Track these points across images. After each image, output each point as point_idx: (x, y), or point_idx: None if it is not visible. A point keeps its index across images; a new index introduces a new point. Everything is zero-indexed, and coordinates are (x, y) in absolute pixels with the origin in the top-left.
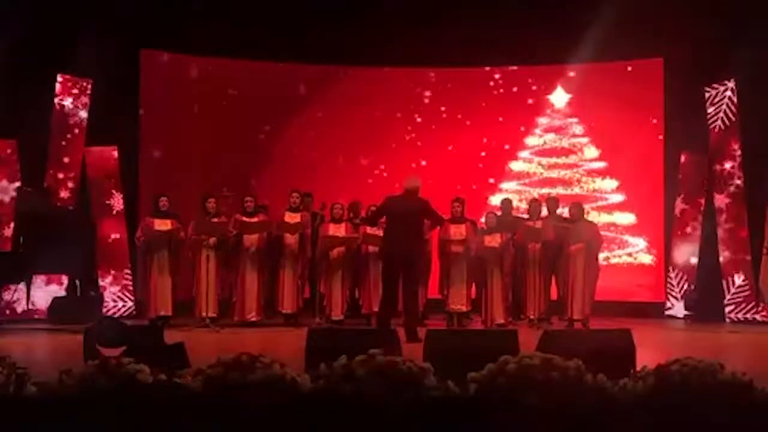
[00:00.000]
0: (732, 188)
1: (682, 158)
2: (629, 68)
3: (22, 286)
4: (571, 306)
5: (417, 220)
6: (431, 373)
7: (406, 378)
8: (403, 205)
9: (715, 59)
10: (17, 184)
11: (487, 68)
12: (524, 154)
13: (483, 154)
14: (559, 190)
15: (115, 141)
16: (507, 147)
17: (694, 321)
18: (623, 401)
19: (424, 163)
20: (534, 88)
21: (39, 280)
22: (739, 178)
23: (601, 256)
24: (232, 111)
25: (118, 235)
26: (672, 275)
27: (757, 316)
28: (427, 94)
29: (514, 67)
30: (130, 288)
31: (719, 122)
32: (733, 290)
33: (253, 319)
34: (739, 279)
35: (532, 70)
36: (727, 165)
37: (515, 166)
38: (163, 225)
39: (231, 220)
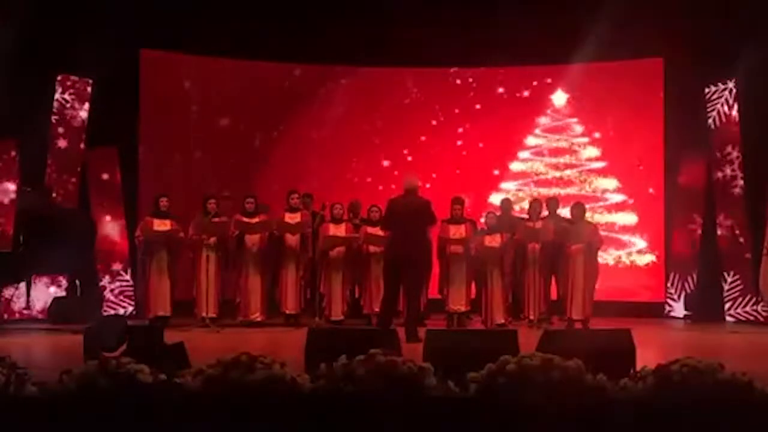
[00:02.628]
0: (732, 188)
1: (682, 158)
2: (629, 68)
3: (22, 286)
4: (571, 306)
5: (419, 221)
6: (431, 373)
7: (406, 378)
8: (405, 207)
9: (715, 59)
10: (17, 184)
11: (488, 68)
12: (524, 154)
13: (483, 154)
14: (559, 190)
15: (115, 141)
16: (507, 147)
17: (694, 321)
18: (623, 401)
19: (419, 155)
20: (534, 88)
21: (39, 280)
22: (739, 178)
23: (602, 256)
24: (232, 111)
25: (118, 236)
26: (672, 275)
27: (758, 309)
28: (428, 94)
29: (515, 67)
30: (130, 288)
31: (719, 122)
32: (726, 287)
33: (258, 319)
34: (730, 276)
35: (532, 70)
36: (727, 165)
37: (515, 166)
38: (162, 225)
39: (232, 220)
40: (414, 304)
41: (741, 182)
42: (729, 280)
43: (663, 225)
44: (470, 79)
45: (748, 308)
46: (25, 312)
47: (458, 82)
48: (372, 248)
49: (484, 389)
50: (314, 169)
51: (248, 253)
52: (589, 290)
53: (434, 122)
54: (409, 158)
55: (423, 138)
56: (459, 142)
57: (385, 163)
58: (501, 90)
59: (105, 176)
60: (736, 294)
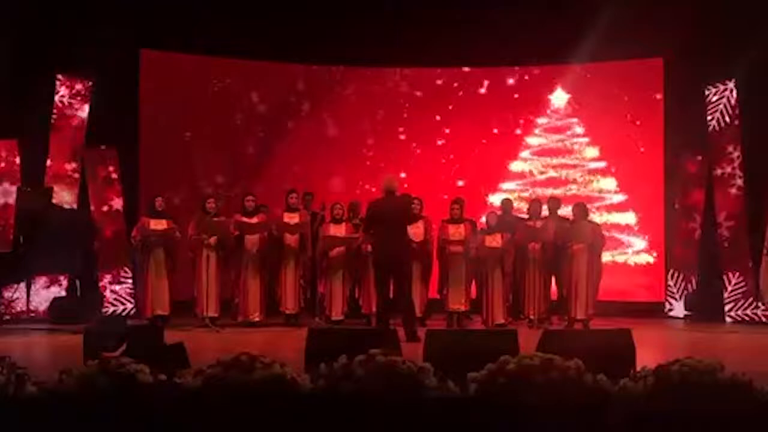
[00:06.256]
0: (732, 188)
1: (682, 158)
2: (629, 68)
3: (22, 286)
4: (575, 306)
5: (401, 222)
6: (431, 373)
7: (406, 378)
8: (386, 209)
9: (715, 59)
10: (17, 184)
11: (488, 68)
12: (524, 154)
13: (483, 153)
14: (560, 190)
15: (115, 141)
16: (507, 147)
17: (694, 321)
18: (623, 401)
19: (435, 158)
20: (534, 87)
21: (39, 280)
22: (739, 178)
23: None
24: (232, 110)
25: (117, 235)
26: (672, 275)
27: (758, 312)
28: (428, 94)
29: (515, 67)
30: (130, 288)
31: (719, 122)
32: (730, 288)
33: (257, 319)
34: (734, 277)
35: (532, 70)
36: (727, 165)
37: (515, 166)
38: (158, 225)
39: (231, 220)
40: (408, 307)
41: (741, 182)
42: (733, 281)
43: (663, 225)
44: (471, 79)
45: (748, 311)
46: (25, 312)
47: (459, 82)
48: (371, 248)
49: (484, 389)
50: (314, 169)
51: (248, 253)
52: (592, 290)
53: (435, 122)
54: (410, 159)
55: (424, 138)
56: (460, 142)
57: (386, 163)
58: (501, 90)
59: (105, 176)
60: (738, 296)
